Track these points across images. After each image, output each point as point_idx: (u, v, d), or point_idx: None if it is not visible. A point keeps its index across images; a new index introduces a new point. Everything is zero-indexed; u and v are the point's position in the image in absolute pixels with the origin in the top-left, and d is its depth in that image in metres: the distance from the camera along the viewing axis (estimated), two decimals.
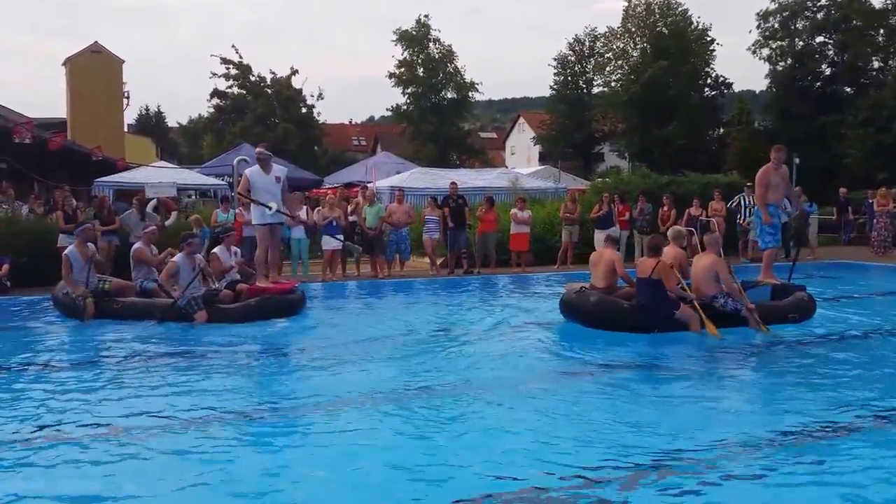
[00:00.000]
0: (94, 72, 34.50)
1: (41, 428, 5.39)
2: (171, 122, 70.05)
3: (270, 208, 10.07)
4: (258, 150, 10.69)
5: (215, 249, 10.90)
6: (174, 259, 10.00)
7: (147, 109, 68.00)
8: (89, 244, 10.26)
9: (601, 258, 9.47)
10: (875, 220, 19.54)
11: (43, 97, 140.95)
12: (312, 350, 8.26)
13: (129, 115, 55.47)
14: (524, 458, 4.74)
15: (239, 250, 11.32)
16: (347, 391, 6.38)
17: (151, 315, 9.69)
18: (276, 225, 10.54)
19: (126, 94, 37.60)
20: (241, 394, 6.42)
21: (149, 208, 14.64)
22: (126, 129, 41.86)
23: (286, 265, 14.73)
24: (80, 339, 9.00)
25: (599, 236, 16.32)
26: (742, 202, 17.47)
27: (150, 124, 65.13)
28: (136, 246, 10.99)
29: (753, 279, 10.05)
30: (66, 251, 10.09)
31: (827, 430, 5.34)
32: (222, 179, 22.94)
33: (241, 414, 5.78)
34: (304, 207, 14.89)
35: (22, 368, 7.36)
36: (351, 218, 14.98)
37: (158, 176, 20.99)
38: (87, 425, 5.44)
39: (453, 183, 16.40)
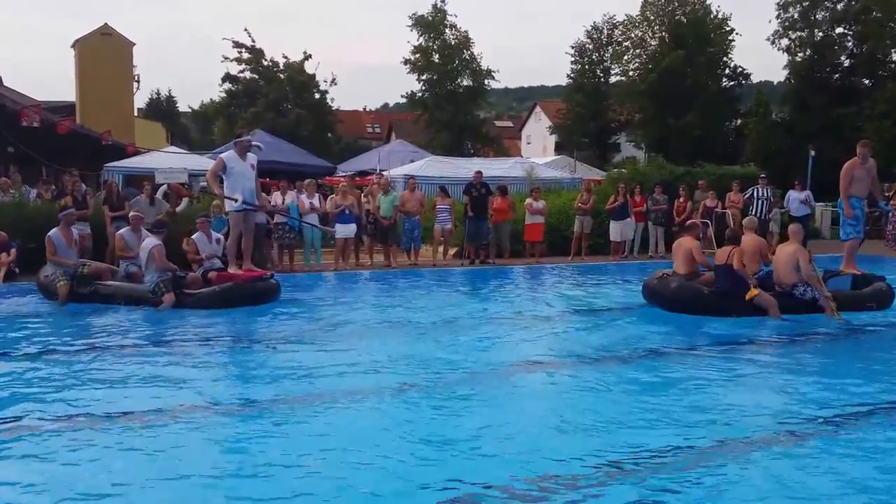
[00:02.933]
0: (104, 54, 34.28)
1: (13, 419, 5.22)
2: (183, 106, 69.90)
3: (236, 200, 9.97)
4: (247, 137, 10.75)
5: (193, 236, 10.80)
6: (156, 242, 9.91)
7: (158, 93, 67.88)
8: (73, 229, 10.39)
9: (680, 246, 9.87)
10: (890, 214, 19.16)
11: (52, 80, 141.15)
12: (319, 339, 8.08)
13: (140, 100, 55.48)
14: (538, 447, 4.64)
15: (222, 237, 11.13)
16: (352, 379, 6.29)
17: (125, 300, 9.80)
18: (250, 212, 10.42)
19: (136, 78, 37.39)
20: (227, 384, 6.30)
21: (159, 194, 14.44)
22: (136, 114, 41.72)
23: (298, 253, 14.53)
24: (53, 326, 8.84)
25: (615, 228, 16.17)
26: (755, 194, 17.18)
27: (161, 109, 64.95)
28: (117, 232, 11.06)
29: (835, 269, 10.34)
30: (49, 233, 10.17)
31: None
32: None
33: (226, 405, 5.62)
34: (317, 195, 14.69)
35: None
36: (364, 206, 14.78)
37: (169, 161, 20.78)
38: (59, 417, 5.27)
39: (478, 172, 16.08)
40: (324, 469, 4.31)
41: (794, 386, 6.23)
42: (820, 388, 6.15)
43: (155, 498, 3.96)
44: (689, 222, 10.93)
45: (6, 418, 5.22)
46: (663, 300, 9.51)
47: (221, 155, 10.65)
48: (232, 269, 10.28)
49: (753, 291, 8.91)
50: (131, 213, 11.41)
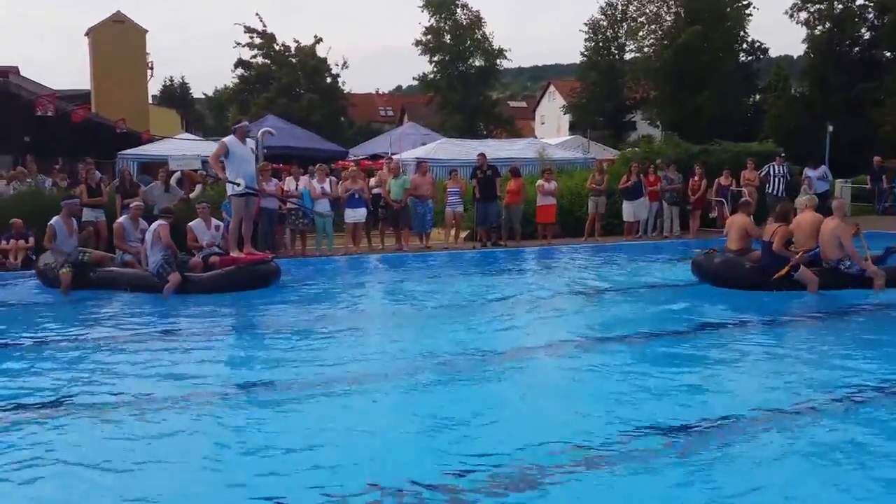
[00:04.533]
0: (117, 42, 34.24)
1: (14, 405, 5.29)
2: (197, 93, 69.78)
3: (238, 184, 10.12)
4: (245, 123, 11.01)
5: (190, 223, 10.86)
6: (164, 223, 10.05)
7: (171, 81, 67.84)
8: (72, 218, 10.52)
9: (733, 223, 10.14)
10: None
11: (69, 68, 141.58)
12: (329, 324, 8.11)
13: (154, 87, 55.44)
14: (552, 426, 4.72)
15: (221, 224, 11.20)
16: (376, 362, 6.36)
17: (128, 285, 9.95)
18: (251, 196, 10.56)
19: (150, 65, 37.38)
20: (242, 368, 6.38)
21: (173, 181, 14.49)
22: (151, 101, 41.78)
23: (311, 238, 14.56)
24: (59, 314, 8.96)
25: (628, 207, 16.04)
26: (771, 171, 16.98)
27: (176, 96, 64.96)
28: (117, 221, 11.15)
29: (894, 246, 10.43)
30: (51, 221, 10.29)
31: None
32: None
33: (235, 390, 5.68)
34: (328, 180, 14.70)
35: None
36: (375, 191, 14.78)
37: (182, 148, 20.83)
38: (69, 403, 5.32)
39: (481, 154, 16.02)
40: (340, 452, 4.34)
41: (811, 363, 6.26)
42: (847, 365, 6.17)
43: (164, 484, 3.97)
44: (742, 200, 11.22)
45: (8, 404, 5.30)
46: (708, 275, 9.94)
47: (223, 139, 10.81)
48: (234, 253, 10.38)
49: (782, 272, 9.05)
50: (133, 203, 11.46)
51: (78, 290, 9.84)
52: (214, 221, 11.00)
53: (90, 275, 10.13)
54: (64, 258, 10.03)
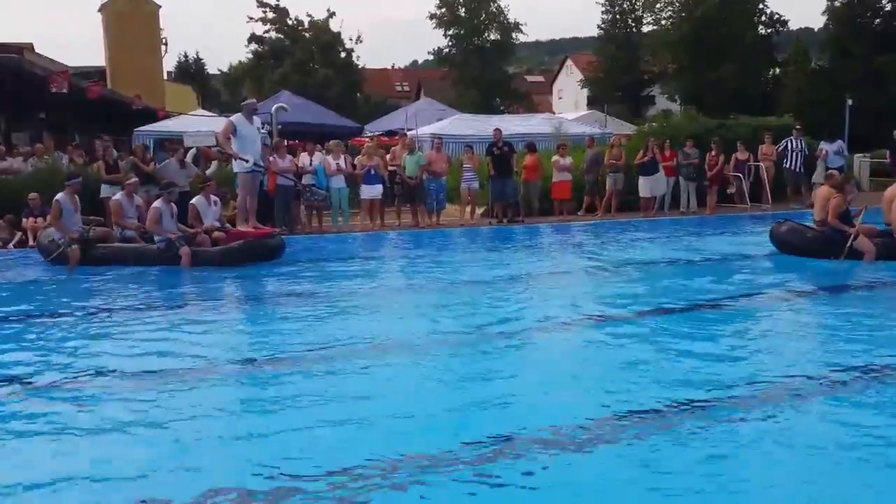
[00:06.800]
0: (131, 18, 34.08)
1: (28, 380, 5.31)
2: (212, 69, 69.54)
3: (248, 161, 10.36)
4: (251, 100, 11.22)
5: (193, 200, 10.92)
6: (155, 205, 10.22)
7: (186, 56, 67.61)
8: (76, 196, 10.61)
9: (818, 195, 10.39)
10: None
11: (85, 44, 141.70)
12: (349, 299, 8.09)
13: (170, 63, 55.28)
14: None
15: (219, 199, 11.28)
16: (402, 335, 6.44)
17: (134, 259, 10.12)
18: (257, 173, 10.88)
19: (164, 41, 37.28)
20: (259, 342, 6.38)
21: (188, 158, 14.51)
22: (166, 77, 41.71)
23: (326, 215, 14.57)
24: (68, 288, 9.03)
25: (644, 183, 15.89)
26: (789, 146, 16.77)
27: (191, 72, 64.79)
28: (113, 198, 11.24)
29: None
30: (56, 197, 10.39)
31: None
32: (261, 127, 22.66)
33: (258, 362, 5.69)
34: (343, 156, 14.69)
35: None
36: (390, 167, 14.77)
37: (198, 124, 20.79)
38: (88, 375, 5.34)
39: (497, 129, 15.89)
40: (360, 424, 4.35)
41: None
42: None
43: (178, 457, 3.95)
44: (828, 171, 11.60)
45: (17, 378, 5.34)
46: (776, 242, 10.42)
47: (230, 118, 11.08)
48: (241, 227, 10.64)
49: (847, 245, 9.39)
50: (127, 181, 11.50)
51: (85, 265, 9.97)
52: (213, 198, 11.04)
53: (99, 251, 10.28)
54: (71, 235, 10.14)
